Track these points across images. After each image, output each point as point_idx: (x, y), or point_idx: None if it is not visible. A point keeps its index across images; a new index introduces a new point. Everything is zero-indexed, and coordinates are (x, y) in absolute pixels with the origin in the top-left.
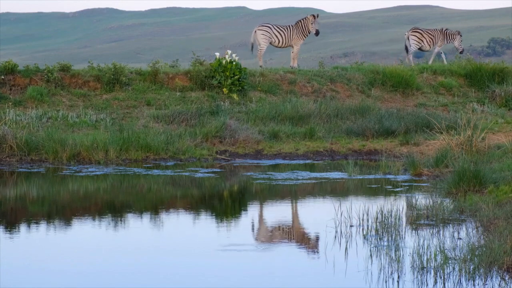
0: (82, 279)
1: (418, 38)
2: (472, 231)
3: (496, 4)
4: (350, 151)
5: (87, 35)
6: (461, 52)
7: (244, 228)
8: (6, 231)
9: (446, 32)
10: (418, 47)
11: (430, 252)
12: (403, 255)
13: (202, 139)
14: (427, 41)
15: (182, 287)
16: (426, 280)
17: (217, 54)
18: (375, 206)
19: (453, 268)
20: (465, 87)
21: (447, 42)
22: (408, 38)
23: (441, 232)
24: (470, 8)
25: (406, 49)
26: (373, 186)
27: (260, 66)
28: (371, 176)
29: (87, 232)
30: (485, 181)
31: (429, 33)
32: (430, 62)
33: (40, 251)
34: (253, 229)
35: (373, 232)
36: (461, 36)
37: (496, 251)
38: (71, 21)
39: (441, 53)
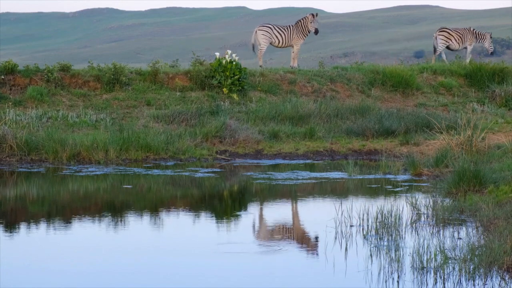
0: (82, 279)
1: (446, 37)
2: (472, 231)
3: (496, 4)
4: (350, 151)
5: (87, 35)
6: (491, 53)
7: (244, 228)
8: (6, 231)
9: (476, 32)
10: (446, 45)
11: (430, 252)
12: (403, 255)
13: (202, 139)
14: (455, 39)
15: (182, 287)
16: (426, 280)
17: (217, 54)
18: (375, 206)
19: (453, 268)
20: (465, 87)
21: (477, 42)
22: (436, 38)
23: (441, 232)
24: (470, 8)
25: (434, 49)
26: (373, 186)
27: (260, 66)
28: (371, 176)
29: (87, 232)
30: (485, 181)
31: (458, 32)
32: (467, 61)
33: (40, 251)
34: (253, 229)
35: (373, 232)
36: (491, 37)
37: (496, 251)
38: (71, 21)
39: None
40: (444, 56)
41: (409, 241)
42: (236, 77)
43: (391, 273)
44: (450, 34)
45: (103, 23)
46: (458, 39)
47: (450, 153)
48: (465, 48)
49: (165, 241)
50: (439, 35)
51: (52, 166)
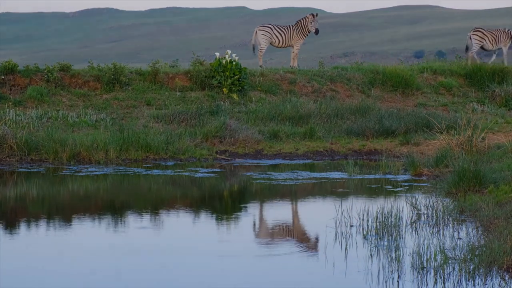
0: (82, 279)
1: (480, 37)
2: (472, 231)
3: (496, 4)
4: (350, 151)
5: (87, 35)
6: None
7: (244, 228)
8: (6, 231)
9: (510, 32)
10: (480, 45)
11: (430, 252)
12: (403, 255)
13: (202, 139)
14: (489, 40)
15: (182, 287)
16: (426, 280)
17: (217, 54)
18: (375, 206)
19: (453, 268)
20: (465, 87)
21: (511, 42)
22: (470, 38)
23: (441, 232)
24: (470, 8)
25: (467, 48)
26: (373, 186)
27: (260, 66)
28: (371, 176)
29: (87, 232)
30: (485, 181)
31: (492, 33)
32: (505, 63)
33: (40, 251)
34: (253, 229)
35: (373, 232)
36: None
37: (496, 251)
38: (71, 21)
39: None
40: (475, 55)
41: (409, 241)
42: (236, 77)
43: (391, 273)
44: (484, 34)
45: (103, 23)
46: (492, 40)
47: (450, 153)
48: (500, 49)
49: (165, 241)
50: (473, 35)
51: (52, 166)
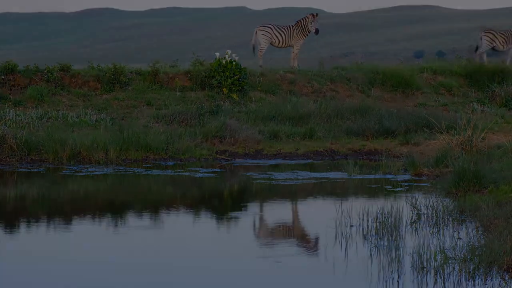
0: (82, 279)
1: (491, 38)
2: (472, 231)
3: (496, 4)
4: (350, 151)
5: (87, 35)
6: None
7: (244, 228)
8: (6, 231)
9: None
10: (490, 46)
11: (430, 252)
12: (403, 255)
13: (202, 139)
14: (499, 41)
15: (183, 287)
16: (426, 280)
17: (217, 54)
18: (375, 206)
19: (453, 268)
20: (465, 87)
21: None
22: (481, 39)
23: (441, 232)
24: (470, 8)
25: (477, 48)
26: (373, 186)
27: (260, 66)
28: (371, 176)
29: (87, 232)
30: (485, 181)
31: (502, 34)
32: (508, 62)
33: (40, 251)
34: (253, 229)
35: (373, 232)
36: None
37: (496, 251)
38: (71, 21)
39: None
40: (485, 56)
41: (409, 241)
42: (236, 77)
43: (391, 273)
44: (495, 36)
45: (103, 23)
46: (503, 41)
47: (450, 153)
48: (510, 49)
49: (165, 241)
50: (484, 36)
51: (52, 166)
